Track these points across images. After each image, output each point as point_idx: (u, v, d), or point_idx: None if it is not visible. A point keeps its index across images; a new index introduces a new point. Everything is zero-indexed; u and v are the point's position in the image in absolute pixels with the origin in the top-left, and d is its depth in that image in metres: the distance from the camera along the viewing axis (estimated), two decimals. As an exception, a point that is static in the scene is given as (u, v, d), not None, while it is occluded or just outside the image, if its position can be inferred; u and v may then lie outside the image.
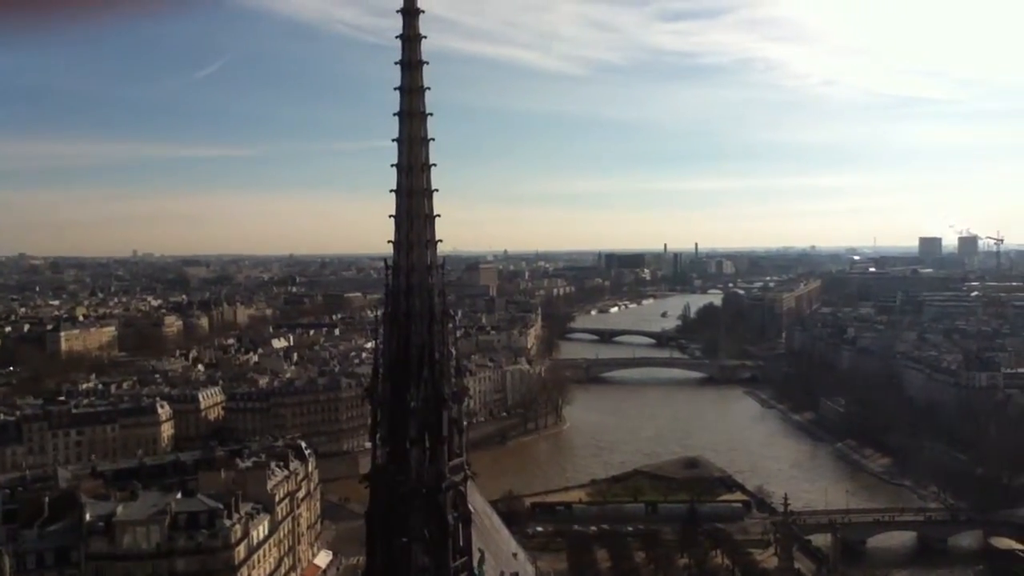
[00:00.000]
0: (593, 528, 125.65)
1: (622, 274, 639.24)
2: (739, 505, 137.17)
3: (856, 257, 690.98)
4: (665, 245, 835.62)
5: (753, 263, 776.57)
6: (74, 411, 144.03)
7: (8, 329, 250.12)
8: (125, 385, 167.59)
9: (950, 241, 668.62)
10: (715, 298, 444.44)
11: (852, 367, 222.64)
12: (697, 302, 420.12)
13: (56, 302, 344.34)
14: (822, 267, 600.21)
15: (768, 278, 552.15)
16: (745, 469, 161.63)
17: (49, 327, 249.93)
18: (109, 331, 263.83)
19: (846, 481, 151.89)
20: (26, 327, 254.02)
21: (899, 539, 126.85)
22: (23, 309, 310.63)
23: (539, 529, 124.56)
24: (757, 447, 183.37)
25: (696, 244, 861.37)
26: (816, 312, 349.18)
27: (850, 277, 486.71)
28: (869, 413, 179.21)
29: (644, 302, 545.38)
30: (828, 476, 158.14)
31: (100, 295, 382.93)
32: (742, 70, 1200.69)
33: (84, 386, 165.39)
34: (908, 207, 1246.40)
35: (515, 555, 60.73)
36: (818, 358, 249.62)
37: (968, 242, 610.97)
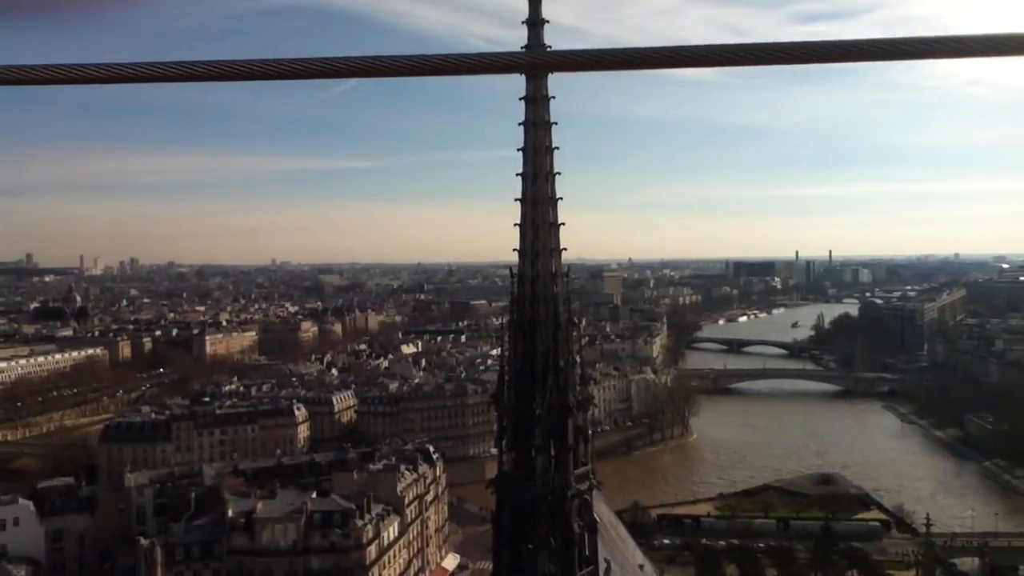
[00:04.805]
0: (722, 543, 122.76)
1: (751, 283, 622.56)
2: (877, 524, 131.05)
3: (1005, 265, 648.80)
4: (796, 252, 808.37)
5: (891, 271, 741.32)
6: (218, 412, 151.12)
7: (158, 333, 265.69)
8: (264, 387, 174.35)
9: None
10: (851, 308, 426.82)
11: (1001, 381, 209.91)
12: (831, 312, 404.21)
13: (202, 308, 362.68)
14: (967, 275, 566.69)
15: (907, 287, 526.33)
16: (884, 487, 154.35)
17: (195, 331, 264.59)
18: (250, 335, 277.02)
19: (995, 502, 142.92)
20: (174, 331, 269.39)
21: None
22: (172, 314, 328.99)
23: (666, 541, 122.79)
24: (897, 464, 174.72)
25: (830, 251, 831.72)
26: (960, 323, 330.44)
27: (998, 286, 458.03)
28: (1020, 430, 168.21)
29: (774, 311, 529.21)
30: (975, 496, 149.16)
31: (242, 301, 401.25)
32: (881, 71, 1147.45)
33: (227, 388, 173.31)
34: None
35: (641, 566, 60.08)
36: (963, 371, 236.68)
37: None
